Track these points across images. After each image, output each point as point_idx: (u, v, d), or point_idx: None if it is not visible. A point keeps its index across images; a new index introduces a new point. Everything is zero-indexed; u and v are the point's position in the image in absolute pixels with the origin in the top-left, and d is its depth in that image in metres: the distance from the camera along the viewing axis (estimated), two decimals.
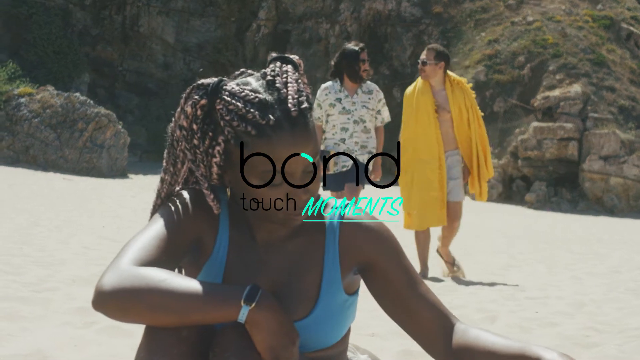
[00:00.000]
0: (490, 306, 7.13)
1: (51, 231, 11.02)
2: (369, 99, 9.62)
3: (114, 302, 1.96)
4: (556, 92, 29.72)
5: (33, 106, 26.35)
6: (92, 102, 27.33)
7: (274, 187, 2.14)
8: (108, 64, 37.01)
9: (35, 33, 34.16)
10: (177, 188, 2.32)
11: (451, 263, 9.52)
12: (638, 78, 31.77)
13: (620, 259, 12.89)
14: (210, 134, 2.17)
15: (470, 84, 9.87)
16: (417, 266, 9.23)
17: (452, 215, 9.46)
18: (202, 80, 2.20)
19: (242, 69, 2.29)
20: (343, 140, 9.49)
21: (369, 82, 9.71)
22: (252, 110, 2.10)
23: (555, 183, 28.53)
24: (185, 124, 2.18)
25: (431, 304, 2.32)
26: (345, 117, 9.49)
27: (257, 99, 2.12)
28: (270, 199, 2.15)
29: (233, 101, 2.12)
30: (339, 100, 9.51)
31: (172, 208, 2.22)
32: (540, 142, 28.39)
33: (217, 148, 2.16)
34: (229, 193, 2.30)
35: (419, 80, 9.63)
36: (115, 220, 13.62)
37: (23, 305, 5.57)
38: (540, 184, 27.86)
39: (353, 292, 2.40)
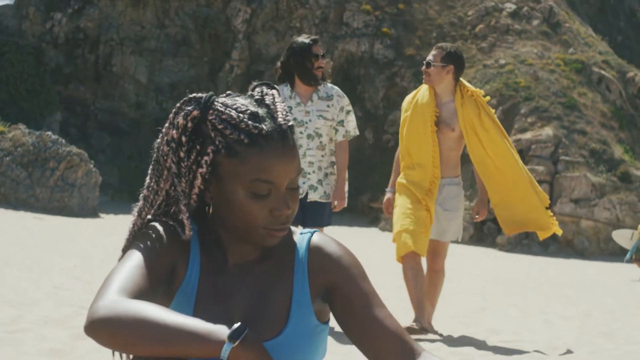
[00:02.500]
0: (465, 350, 7.13)
1: (22, 271, 10.94)
2: (328, 106, 7.75)
3: (105, 330, 2.03)
4: (528, 135, 29.90)
5: (4, 144, 26.22)
6: (64, 141, 27.24)
7: (260, 199, 2.20)
8: (80, 102, 36.93)
9: (7, 71, 34.09)
10: (149, 217, 2.36)
11: (421, 322, 7.61)
12: (609, 122, 32.05)
13: (592, 302, 12.94)
14: (198, 147, 2.21)
15: (488, 97, 8.01)
16: (410, 314, 7.81)
17: (435, 256, 7.89)
18: (194, 94, 2.27)
19: (227, 92, 2.35)
20: None
21: (329, 84, 7.91)
22: (245, 119, 2.18)
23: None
24: (174, 135, 2.22)
25: (392, 330, 2.33)
26: (297, 130, 7.50)
27: (249, 111, 2.20)
28: (254, 213, 2.21)
29: (226, 111, 2.19)
30: (290, 109, 7.49)
31: (148, 238, 2.27)
32: None
33: (205, 158, 2.20)
34: (209, 211, 2.34)
35: (423, 87, 7.93)
36: (87, 260, 13.54)
37: None
38: None
39: (324, 322, 2.43)
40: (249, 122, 2.18)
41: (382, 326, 2.32)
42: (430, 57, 7.83)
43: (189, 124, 2.21)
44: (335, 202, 7.81)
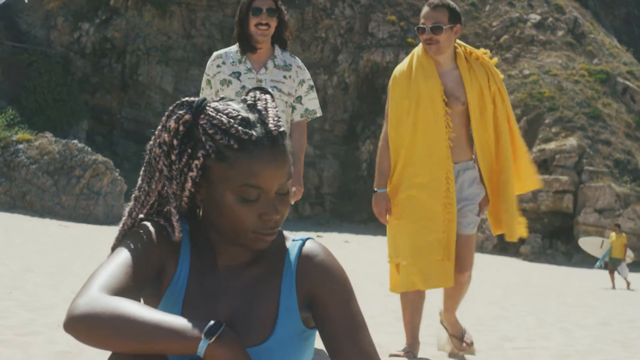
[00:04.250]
0: (476, 356, 7.14)
1: (43, 277, 11.03)
2: (285, 77, 6.26)
3: (83, 326, 2.05)
4: (552, 145, 29.85)
5: (31, 152, 26.45)
6: (89, 149, 27.45)
7: (249, 203, 2.21)
8: (107, 111, 37.20)
9: (35, 80, 34.38)
10: (141, 216, 2.38)
11: (458, 337, 6.62)
12: (634, 132, 31.92)
13: (612, 312, 12.91)
14: (189, 150, 2.22)
15: (495, 59, 6.45)
16: (403, 339, 6.64)
17: (460, 259, 6.20)
18: (186, 98, 2.29)
19: (221, 96, 2.40)
20: None
21: (289, 54, 6.36)
22: (235, 125, 2.19)
23: (550, 235, 28.58)
24: (166, 138, 2.23)
25: (365, 354, 2.31)
26: None
27: (240, 116, 2.21)
28: (243, 217, 2.22)
29: (217, 116, 2.21)
30: (237, 75, 6.22)
31: (137, 237, 2.29)
32: (535, 194, 28.47)
33: (196, 162, 2.20)
34: (200, 213, 2.36)
35: (415, 56, 6.27)
36: None
37: (2, 348, 5.53)
38: (535, 236, 27.89)
39: (311, 327, 2.43)
40: (239, 127, 2.19)
41: (356, 350, 2.31)
42: (432, 20, 6.09)
43: (181, 128, 2.22)
44: (294, 189, 6.37)
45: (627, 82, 33.57)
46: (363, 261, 19.89)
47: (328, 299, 2.34)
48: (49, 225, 22.70)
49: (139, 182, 2.36)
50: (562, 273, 23.89)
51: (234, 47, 6.29)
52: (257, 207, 2.22)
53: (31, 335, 6.24)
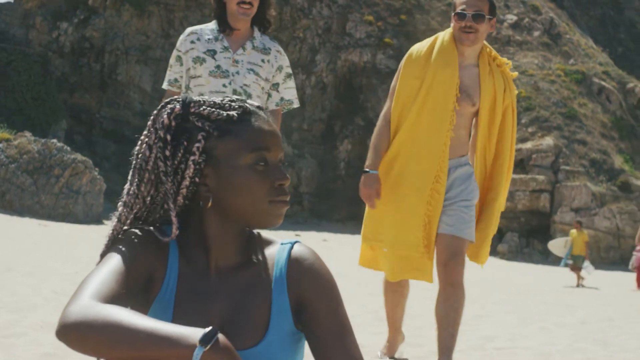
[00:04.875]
0: (457, 356, 7.22)
1: (24, 276, 11.02)
2: (263, 61, 5.76)
3: (76, 334, 2.03)
4: (528, 145, 30.04)
5: (10, 152, 26.38)
6: (69, 148, 27.41)
7: (260, 172, 2.26)
8: (85, 111, 37.12)
9: (13, 80, 34.27)
10: (128, 222, 2.39)
11: None
12: (609, 132, 32.15)
13: (590, 310, 13.03)
14: (185, 142, 2.25)
15: (516, 74, 6.01)
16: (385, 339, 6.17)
17: (445, 264, 5.61)
18: (168, 99, 2.34)
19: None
20: None
21: (268, 37, 5.89)
22: (227, 102, 2.29)
23: (527, 234, 28.76)
24: (161, 134, 2.26)
25: (352, 359, 2.34)
26: (219, 81, 5.67)
27: (226, 99, 2.31)
28: (258, 186, 2.26)
29: (207, 100, 2.29)
30: (212, 53, 5.71)
31: (126, 244, 2.29)
32: (512, 193, 28.63)
33: (197, 145, 2.24)
34: (209, 204, 2.31)
35: (440, 41, 5.78)
36: (89, 266, 13.56)
37: None
38: (512, 235, 28.08)
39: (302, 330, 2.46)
40: (232, 103, 2.28)
41: (344, 355, 2.34)
42: (474, 7, 5.61)
43: (173, 123, 2.26)
44: None
45: (603, 83, 33.81)
46: (341, 260, 19.95)
47: (317, 304, 2.37)
48: (29, 225, 22.65)
49: (127, 187, 2.36)
50: (540, 272, 24.07)
51: (211, 24, 5.83)
52: (268, 174, 2.27)
53: (15, 337, 6.22)
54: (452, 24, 5.74)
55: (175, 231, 2.29)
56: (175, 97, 2.32)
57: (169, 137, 2.26)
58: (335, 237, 29.99)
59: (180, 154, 2.26)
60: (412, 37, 36.97)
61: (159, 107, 2.32)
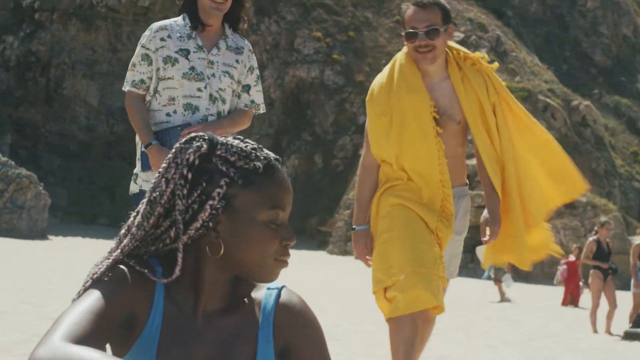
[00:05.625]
0: None
1: None
2: (237, 62, 5.31)
3: None
4: (474, 161, 30.23)
5: None
6: (13, 163, 27.14)
7: (273, 229, 2.20)
8: (31, 125, 36.79)
9: None
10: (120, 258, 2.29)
11: None
12: None
13: (535, 326, 13.15)
14: (204, 184, 2.17)
15: (496, 64, 5.25)
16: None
17: None
18: (192, 134, 2.25)
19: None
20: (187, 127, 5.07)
21: (238, 35, 5.37)
22: (254, 150, 2.21)
23: (472, 249, 28.94)
24: (184, 171, 2.18)
25: None
26: (193, 85, 5.14)
27: (248, 145, 2.22)
28: (269, 243, 2.20)
29: (234, 144, 2.19)
30: (186, 53, 5.17)
31: (109, 282, 2.21)
32: None
33: (218, 190, 2.15)
34: (220, 253, 2.23)
35: (397, 65, 5.15)
36: (35, 282, 13.47)
37: None
38: None
39: None
40: (258, 153, 2.20)
41: None
42: (425, 22, 4.95)
43: (197, 161, 2.17)
44: None
45: (548, 100, 34.21)
46: (291, 276, 19.97)
47: (305, 350, 2.34)
48: None
49: (139, 219, 2.24)
50: (484, 286, 24.23)
51: (180, 20, 5.24)
52: (279, 233, 2.21)
53: None
54: (405, 44, 5.07)
55: (177, 272, 2.21)
56: (201, 134, 2.23)
57: (190, 175, 2.17)
58: None
59: (196, 194, 2.17)
60: (360, 53, 37.20)
61: (182, 142, 2.23)
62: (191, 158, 2.18)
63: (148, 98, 5.15)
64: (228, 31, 5.26)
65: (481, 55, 5.18)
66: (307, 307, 2.38)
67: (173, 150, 2.22)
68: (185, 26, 5.15)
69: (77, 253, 21.14)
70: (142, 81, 5.12)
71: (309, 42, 37.64)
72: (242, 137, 2.26)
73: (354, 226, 5.14)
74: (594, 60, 43.34)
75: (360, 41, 37.77)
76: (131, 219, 2.26)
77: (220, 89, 5.12)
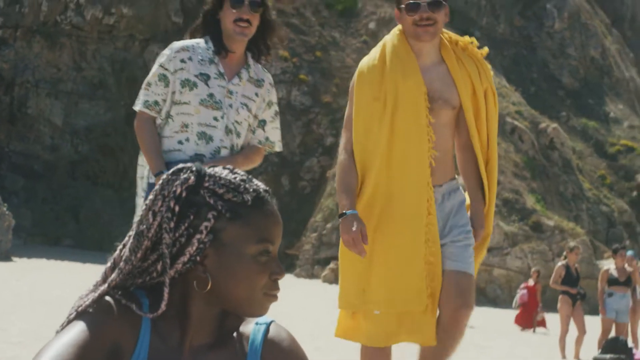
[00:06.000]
0: None
1: None
2: (256, 94, 5.06)
3: None
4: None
5: None
6: None
7: (262, 263, 2.16)
8: None
9: None
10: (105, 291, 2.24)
11: None
12: (521, 171, 32.55)
13: (504, 351, 13.07)
14: (192, 216, 2.14)
15: (486, 49, 5.06)
16: None
17: (456, 309, 4.66)
18: (180, 165, 2.21)
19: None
20: (200, 159, 4.82)
21: (260, 66, 5.13)
22: (242, 183, 2.16)
23: None
24: (171, 204, 2.14)
25: None
26: (210, 113, 4.87)
27: (237, 176, 2.18)
28: (258, 277, 2.16)
29: (222, 176, 2.16)
30: (205, 78, 4.91)
31: (93, 313, 2.16)
32: None
33: (205, 224, 2.12)
34: (208, 287, 2.19)
35: (389, 47, 4.79)
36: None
37: None
38: None
39: None
40: (246, 185, 2.17)
41: None
42: None
43: (184, 193, 2.15)
44: None
45: (516, 122, 34.30)
46: None
47: None
48: None
49: (127, 253, 2.20)
50: None
51: (202, 42, 4.96)
52: (267, 267, 2.17)
53: None
54: (400, 21, 4.76)
55: (163, 307, 2.15)
56: (189, 164, 2.20)
57: (177, 208, 2.14)
58: None
59: (183, 227, 2.14)
60: (327, 73, 37.17)
61: (169, 173, 2.20)
62: (178, 190, 2.15)
63: (159, 122, 4.89)
64: (250, 61, 5.04)
65: (470, 40, 4.95)
66: (295, 343, 2.34)
67: (160, 181, 2.18)
68: (208, 50, 4.92)
69: (41, 275, 20.96)
70: (156, 103, 4.87)
71: (275, 62, 37.54)
72: (231, 168, 2.22)
73: (343, 211, 4.61)
74: (562, 82, 43.55)
75: (328, 61, 37.76)
76: (117, 252, 2.22)
77: (237, 121, 4.90)
